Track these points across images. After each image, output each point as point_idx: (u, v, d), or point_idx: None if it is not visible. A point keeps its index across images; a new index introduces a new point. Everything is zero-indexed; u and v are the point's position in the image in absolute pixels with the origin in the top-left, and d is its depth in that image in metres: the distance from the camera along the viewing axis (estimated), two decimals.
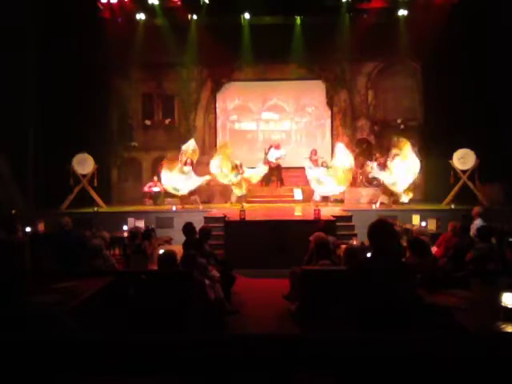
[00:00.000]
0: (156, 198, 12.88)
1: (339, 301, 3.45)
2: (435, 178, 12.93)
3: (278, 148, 13.78)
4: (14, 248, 1.83)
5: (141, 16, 13.40)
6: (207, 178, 12.01)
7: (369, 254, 3.89)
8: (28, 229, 8.08)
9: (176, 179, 11.80)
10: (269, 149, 13.89)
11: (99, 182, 12.43)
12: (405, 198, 11.63)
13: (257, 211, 11.21)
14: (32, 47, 11.83)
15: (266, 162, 13.90)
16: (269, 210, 11.59)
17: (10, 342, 1.70)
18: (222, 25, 13.28)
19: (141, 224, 8.57)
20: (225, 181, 12.44)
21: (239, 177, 12.39)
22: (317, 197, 12.33)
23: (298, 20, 13.70)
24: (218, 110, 15.08)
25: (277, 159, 13.62)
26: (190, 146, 12.17)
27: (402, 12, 13.17)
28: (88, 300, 3.63)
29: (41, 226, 8.63)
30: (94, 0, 12.67)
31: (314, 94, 14.96)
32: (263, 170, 12.93)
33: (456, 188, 11.94)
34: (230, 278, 6.24)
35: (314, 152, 13.36)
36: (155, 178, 13.14)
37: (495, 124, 11.30)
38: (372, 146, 14.21)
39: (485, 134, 11.38)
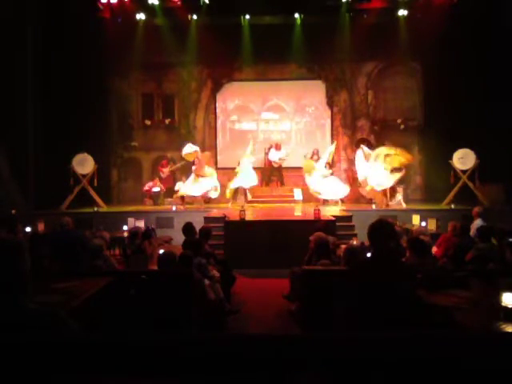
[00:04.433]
0: (156, 198, 12.89)
1: (339, 301, 3.45)
2: (435, 178, 12.94)
3: (278, 148, 13.76)
4: (14, 248, 1.83)
5: (141, 16, 13.40)
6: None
7: (369, 254, 3.90)
8: (28, 229, 8.08)
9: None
10: (269, 149, 13.90)
11: (99, 182, 12.42)
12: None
13: (257, 211, 11.22)
14: (32, 47, 11.82)
15: (267, 162, 13.93)
16: (269, 210, 11.60)
17: (9, 342, 1.70)
18: (222, 25, 13.28)
19: (141, 224, 8.56)
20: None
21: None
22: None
23: (298, 20, 13.70)
24: (217, 110, 15.07)
25: (280, 160, 13.64)
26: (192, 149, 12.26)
27: (402, 12, 13.18)
28: (88, 300, 3.64)
29: (41, 226, 8.62)
30: (94, 0, 12.67)
31: (314, 93, 14.96)
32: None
33: (456, 188, 11.94)
34: (230, 278, 6.25)
35: (316, 152, 13.38)
36: (157, 178, 13.18)
37: (495, 124, 11.30)
38: (372, 146, 14.20)
39: (485, 133, 11.38)
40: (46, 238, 6.79)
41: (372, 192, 11.96)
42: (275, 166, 13.66)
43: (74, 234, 6.39)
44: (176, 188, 12.76)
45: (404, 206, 11.62)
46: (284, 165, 13.97)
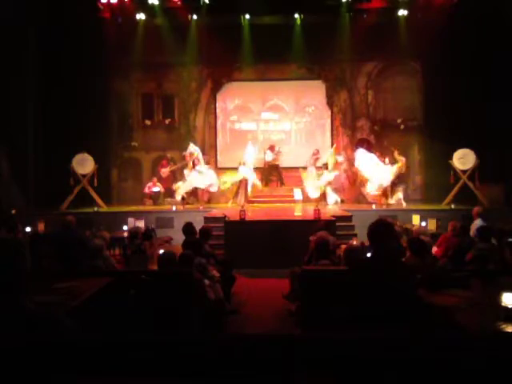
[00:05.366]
0: (156, 198, 12.89)
1: (339, 301, 3.45)
2: (435, 178, 12.94)
3: (272, 150, 13.88)
4: (14, 248, 1.83)
5: (141, 16, 13.38)
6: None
7: (369, 254, 3.90)
8: (28, 229, 8.09)
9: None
10: (267, 150, 14.01)
11: (99, 182, 12.43)
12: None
13: (257, 211, 11.22)
14: (32, 47, 11.83)
15: (265, 163, 13.97)
16: (269, 209, 11.60)
17: (9, 342, 1.70)
18: (222, 25, 13.27)
19: (141, 224, 8.57)
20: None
21: None
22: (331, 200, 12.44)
23: (298, 20, 13.69)
24: (217, 110, 15.07)
25: (274, 159, 13.73)
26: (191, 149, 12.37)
27: (402, 12, 13.16)
28: (88, 300, 3.63)
29: (41, 226, 8.63)
30: (94, 0, 12.67)
31: (314, 93, 14.95)
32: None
33: (456, 188, 11.95)
34: (230, 278, 6.24)
35: (316, 151, 13.41)
36: (155, 178, 13.19)
37: (495, 124, 11.30)
38: (372, 146, 14.21)
39: (485, 134, 11.38)
40: (47, 237, 6.80)
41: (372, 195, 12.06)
42: (273, 164, 13.77)
43: (75, 233, 6.39)
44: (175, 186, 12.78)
45: (404, 205, 11.63)
46: (284, 165, 14.00)
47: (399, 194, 11.95)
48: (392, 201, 11.86)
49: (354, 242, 6.76)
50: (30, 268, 1.88)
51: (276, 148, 13.86)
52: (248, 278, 7.60)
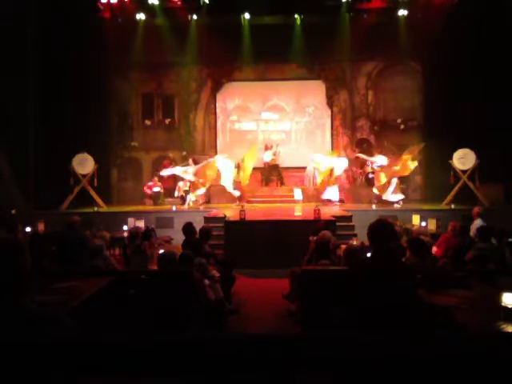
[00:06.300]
0: (156, 198, 12.89)
1: (339, 301, 3.45)
2: (435, 178, 12.94)
3: (266, 149, 13.90)
4: (14, 248, 1.83)
5: (141, 16, 13.39)
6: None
7: (369, 254, 3.90)
8: (28, 229, 8.09)
9: None
10: (265, 150, 14.03)
11: (99, 182, 12.43)
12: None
13: (257, 211, 11.22)
14: (32, 47, 11.82)
15: (265, 163, 13.98)
16: (269, 209, 11.60)
17: (9, 342, 1.70)
18: (222, 25, 13.28)
19: (141, 224, 8.56)
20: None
21: None
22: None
23: (298, 20, 13.71)
24: (218, 110, 15.08)
25: (272, 159, 13.73)
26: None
27: (402, 12, 13.16)
28: (88, 300, 3.63)
29: (41, 226, 8.63)
30: (94, 0, 12.67)
31: (314, 93, 14.96)
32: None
33: (456, 188, 11.94)
34: (230, 278, 6.24)
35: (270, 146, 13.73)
36: (155, 178, 13.18)
37: (495, 124, 11.30)
38: (372, 146, 14.21)
39: (485, 133, 11.38)
40: (48, 237, 6.81)
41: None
42: (272, 163, 13.77)
43: (75, 233, 6.39)
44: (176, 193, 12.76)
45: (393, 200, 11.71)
46: (284, 165, 14.00)
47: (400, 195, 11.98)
48: (388, 196, 11.86)
49: (354, 242, 6.76)
50: (30, 268, 1.88)
51: (274, 147, 13.87)
52: (248, 278, 7.60)
